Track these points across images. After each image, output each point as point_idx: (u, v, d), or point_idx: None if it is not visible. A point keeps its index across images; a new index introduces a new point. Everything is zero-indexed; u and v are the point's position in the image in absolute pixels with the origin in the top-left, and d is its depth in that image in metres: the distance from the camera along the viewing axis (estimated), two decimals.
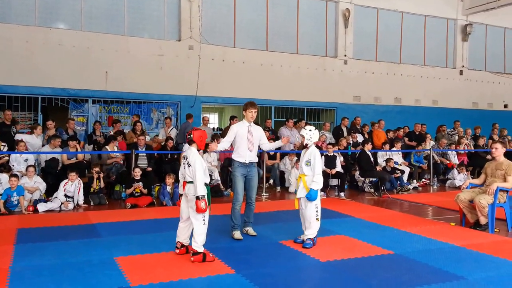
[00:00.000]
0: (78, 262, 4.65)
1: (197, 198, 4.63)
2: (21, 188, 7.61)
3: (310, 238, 5.46)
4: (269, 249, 5.36)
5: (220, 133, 11.67)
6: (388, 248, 5.43)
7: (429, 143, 12.67)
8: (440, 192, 11.04)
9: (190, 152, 4.91)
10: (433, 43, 17.23)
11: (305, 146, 5.66)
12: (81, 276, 4.21)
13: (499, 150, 6.70)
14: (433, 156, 12.20)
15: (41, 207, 7.67)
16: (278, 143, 6.36)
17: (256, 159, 5.94)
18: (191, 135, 4.94)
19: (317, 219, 5.47)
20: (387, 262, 4.93)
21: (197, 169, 4.70)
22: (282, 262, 4.87)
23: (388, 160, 10.82)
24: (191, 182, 4.78)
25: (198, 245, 4.77)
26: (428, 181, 12.04)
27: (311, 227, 5.47)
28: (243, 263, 4.77)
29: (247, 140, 5.74)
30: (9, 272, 4.28)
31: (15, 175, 7.75)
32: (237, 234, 5.75)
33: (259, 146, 6.05)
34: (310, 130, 5.62)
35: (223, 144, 5.95)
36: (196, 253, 4.76)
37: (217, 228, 5.98)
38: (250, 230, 5.94)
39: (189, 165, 4.81)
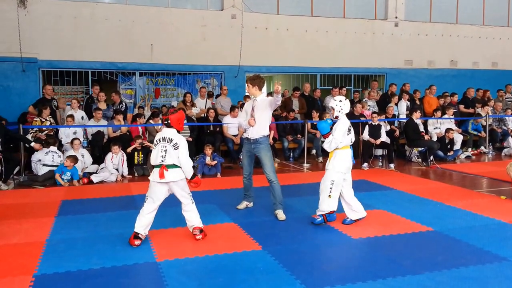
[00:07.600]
0: (111, 235, 4.79)
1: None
2: (76, 171, 7.77)
3: (321, 214, 5.12)
4: (300, 224, 5.25)
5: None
6: (428, 224, 5.18)
7: (487, 109, 11.88)
8: (494, 161, 10.40)
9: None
10: (494, 0, 15.93)
11: (336, 118, 5.21)
12: (111, 250, 4.32)
13: None
14: (489, 123, 11.48)
15: (95, 178, 7.91)
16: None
17: (260, 136, 5.54)
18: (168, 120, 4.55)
19: (329, 196, 5.06)
20: (424, 240, 4.69)
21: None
22: (311, 238, 4.77)
23: (436, 129, 10.28)
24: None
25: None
26: (484, 149, 11.38)
27: (323, 202, 5.10)
28: (272, 239, 4.71)
29: (250, 116, 5.61)
30: (44, 245, 4.47)
31: (74, 157, 7.86)
32: (240, 205, 5.97)
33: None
34: (340, 101, 5.18)
35: (242, 123, 6.06)
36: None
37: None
38: (279, 213, 5.51)
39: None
